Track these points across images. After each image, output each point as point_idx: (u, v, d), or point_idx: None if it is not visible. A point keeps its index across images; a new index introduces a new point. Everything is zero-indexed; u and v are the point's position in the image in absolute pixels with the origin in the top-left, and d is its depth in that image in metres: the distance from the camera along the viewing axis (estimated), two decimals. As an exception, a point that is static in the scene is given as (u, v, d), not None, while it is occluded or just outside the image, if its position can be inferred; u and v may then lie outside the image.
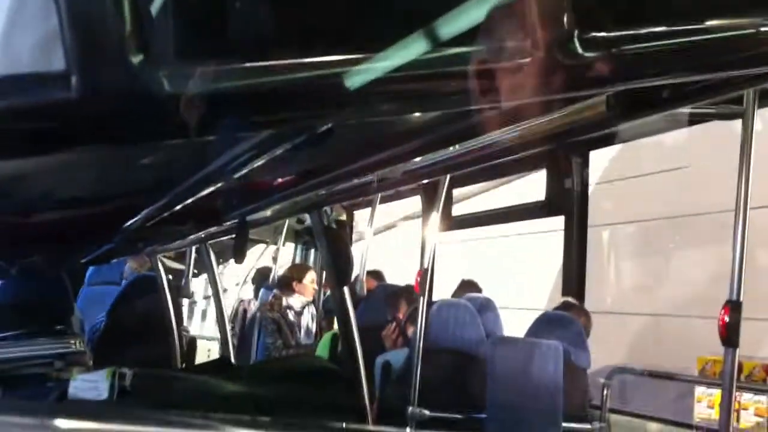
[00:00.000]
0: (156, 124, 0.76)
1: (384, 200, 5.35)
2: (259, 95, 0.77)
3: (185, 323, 5.79)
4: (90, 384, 2.08)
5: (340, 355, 4.01)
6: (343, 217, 6.38)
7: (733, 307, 2.42)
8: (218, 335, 4.61)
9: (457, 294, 4.74)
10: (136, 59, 0.70)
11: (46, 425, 0.78)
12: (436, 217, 3.62)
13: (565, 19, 0.83)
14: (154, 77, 0.71)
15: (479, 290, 4.87)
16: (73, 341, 3.36)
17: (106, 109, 0.73)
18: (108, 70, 0.71)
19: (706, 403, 4.27)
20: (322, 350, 4.75)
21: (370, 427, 2.54)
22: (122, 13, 0.70)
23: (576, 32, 0.83)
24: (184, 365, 4.37)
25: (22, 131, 0.74)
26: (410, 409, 3.52)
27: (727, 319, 2.42)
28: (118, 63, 0.70)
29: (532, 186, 4.98)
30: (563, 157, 4.40)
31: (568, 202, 4.55)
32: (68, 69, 0.70)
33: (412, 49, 0.77)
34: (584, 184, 4.54)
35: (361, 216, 6.40)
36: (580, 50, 0.83)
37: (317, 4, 0.79)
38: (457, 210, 5.26)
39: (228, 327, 4.52)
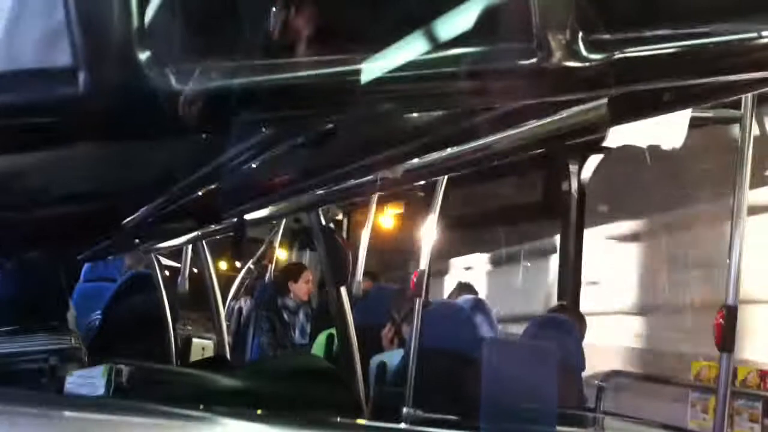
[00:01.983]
0: (162, 120, 0.76)
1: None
2: (265, 92, 0.77)
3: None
4: (86, 380, 2.08)
5: (335, 355, 4.01)
6: (340, 217, 6.38)
7: (729, 311, 2.42)
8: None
9: (453, 296, 4.75)
10: (143, 55, 0.70)
11: (49, 416, 0.78)
12: (433, 217, 3.62)
13: (569, 20, 0.83)
14: (161, 74, 0.71)
15: (475, 293, 4.88)
16: (68, 337, 3.35)
17: (113, 106, 0.73)
18: (115, 66, 0.71)
19: (700, 408, 4.28)
20: (318, 350, 4.75)
21: (365, 421, 2.55)
22: (129, 9, 0.70)
23: (581, 34, 0.83)
24: (179, 363, 4.36)
25: (28, 126, 0.74)
26: (405, 409, 3.52)
27: (722, 323, 2.42)
28: (124, 59, 0.71)
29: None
30: (560, 160, 4.41)
31: (564, 205, 4.56)
32: (75, 65, 0.70)
33: (418, 49, 0.77)
34: (581, 187, 4.56)
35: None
36: (584, 52, 0.84)
37: (323, 4, 0.79)
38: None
39: (224, 325, 4.52)
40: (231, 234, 3.02)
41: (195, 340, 5.31)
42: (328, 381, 2.34)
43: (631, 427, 4.28)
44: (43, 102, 0.73)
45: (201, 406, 1.06)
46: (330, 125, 1.03)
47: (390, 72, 0.78)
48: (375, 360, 4.08)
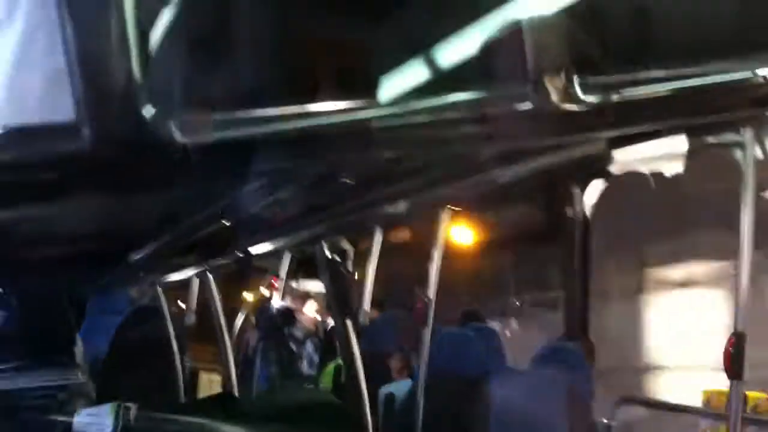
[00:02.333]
0: (167, 172, 0.77)
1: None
2: (268, 142, 0.78)
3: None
4: (94, 419, 2.08)
5: (343, 387, 4.00)
6: (346, 247, 6.37)
7: (738, 338, 2.40)
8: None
9: (460, 324, 4.71)
10: (147, 110, 0.71)
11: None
12: (438, 246, 3.62)
13: (565, 64, 0.84)
14: (164, 127, 0.72)
15: (483, 321, 4.84)
16: (76, 372, 3.35)
17: (117, 160, 0.74)
18: (118, 120, 0.72)
19: (710, 435, 4.24)
20: (326, 382, 4.73)
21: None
22: (131, 65, 0.72)
23: (576, 77, 0.84)
24: (187, 396, 4.35)
25: (35, 181, 0.75)
26: (414, 441, 3.50)
27: (731, 350, 2.40)
28: (128, 114, 0.71)
29: None
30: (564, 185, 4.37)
31: (568, 231, 4.53)
32: (78, 120, 0.71)
33: (419, 97, 0.78)
34: (585, 213, 4.52)
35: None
36: (580, 95, 0.85)
37: (323, 53, 0.80)
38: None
39: (231, 358, 4.51)
40: (237, 266, 3.03)
41: (202, 373, 5.30)
42: (333, 416, 2.34)
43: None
44: (48, 157, 0.74)
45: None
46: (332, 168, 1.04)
47: (392, 119, 0.79)
48: (383, 391, 4.06)
